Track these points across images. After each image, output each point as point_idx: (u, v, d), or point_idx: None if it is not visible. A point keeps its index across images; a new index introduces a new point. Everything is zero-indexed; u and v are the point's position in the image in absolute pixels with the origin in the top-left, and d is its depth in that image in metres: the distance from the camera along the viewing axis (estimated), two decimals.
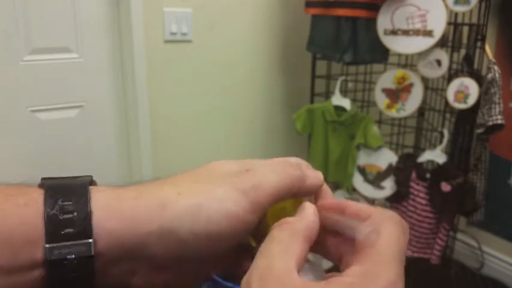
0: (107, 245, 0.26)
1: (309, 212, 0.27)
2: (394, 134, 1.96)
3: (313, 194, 0.31)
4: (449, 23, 1.63)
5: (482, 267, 2.22)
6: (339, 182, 1.94)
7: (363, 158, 1.81)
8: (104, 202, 0.27)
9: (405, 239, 0.25)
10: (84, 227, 0.25)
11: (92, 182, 0.29)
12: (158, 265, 0.27)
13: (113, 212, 0.26)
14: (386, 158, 1.77)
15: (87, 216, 0.26)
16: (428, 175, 1.68)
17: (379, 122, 1.87)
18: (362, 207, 0.27)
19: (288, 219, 0.27)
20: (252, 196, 0.27)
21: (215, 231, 0.26)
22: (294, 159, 0.32)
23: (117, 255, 0.26)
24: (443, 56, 1.60)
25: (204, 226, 0.26)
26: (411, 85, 1.69)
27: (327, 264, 0.31)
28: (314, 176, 0.31)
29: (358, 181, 1.83)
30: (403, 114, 1.73)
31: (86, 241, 0.25)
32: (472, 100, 1.55)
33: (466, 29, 1.67)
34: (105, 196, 0.27)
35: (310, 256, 0.27)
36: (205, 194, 0.27)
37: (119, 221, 0.26)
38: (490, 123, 1.57)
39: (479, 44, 1.61)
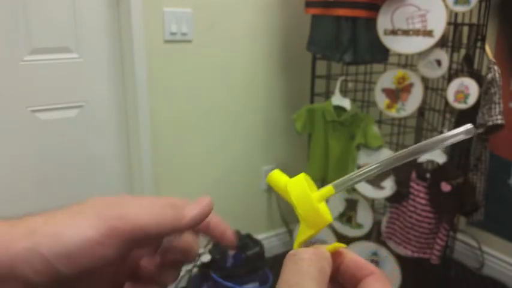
0: None
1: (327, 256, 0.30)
2: (394, 134, 1.96)
3: (201, 227, 0.34)
4: (449, 23, 1.63)
5: (482, 267, 2.22)
6: None
7: (363, 158, 1.81)
8: None
9: None
10: None
11: None
12: (30, 283, 0.29)
13: None
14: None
15: None
16: (428, 175, 1.68)
17: (379, 122, 1.87)
18: (364, 262, 0.32)
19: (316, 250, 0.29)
20: (111, 223, 0.29)
21: (73, 253, 0.29)
22: (172, 200, 0.33)
23: None
24: (443, 56, 1.60)
25: (64, 246, 0.29)
26: (411, 85, 1.69)
27: None
28: (191, 213, 0.32)
29: None
30: (403, 114, 1.73)
31: None
32: (472, 100, 1.55)
33: (466, 29, 1.67)
34: None
35: None
36: (68, 220, 0.30)
37: None
38: (490, 123, 1.57)
39: (479, 44, 1.61)
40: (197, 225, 0.33)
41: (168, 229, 0.32)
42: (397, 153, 0.30)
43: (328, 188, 0.31)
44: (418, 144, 0.30)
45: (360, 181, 0.31)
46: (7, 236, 0.29)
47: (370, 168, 0.31)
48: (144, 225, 0.30)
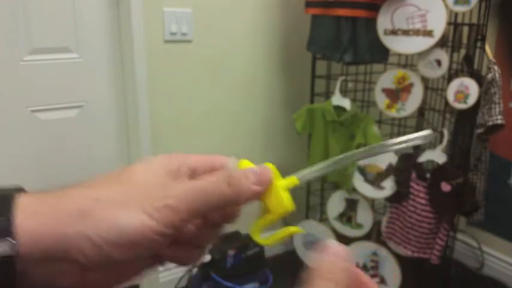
0: (29, 246, 0.27)
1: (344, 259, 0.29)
2: (394, 134, 1.96)
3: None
4: (449, 23, 1.63)
5: (482, 267, 2.22)
6: (339, 182, 1.94)
7: None
8: (27, 206, 0.28)
9: None
10: (5, 227, 0.27)
11: (20, 190, 0.30)
12: (84, 267, 0.28)
13: (35, 215, 0.28)
14: (387, 158, 1.77)
15: (9, 217, 0.27)
16: (428, 175, 1.68)
17: (379, 122, 1.87)
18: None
19: (327, 268, 0.28)
20: (167, 214, 0.29)
21: (127, 241, 0.28)
22: (228, 174, 0.31)
23: (40, 256, 0.27)
24: (443, 56, 1.59)
25: (119, 235, 0.28)
26: (411, 85, 1.69)
27: None
28: (251, 190, 0.31)
29: (358, 181, 1.83)
30: (403, 114, 1.73)
31: (7, 240, 0.26)
32: (472, 100, 1.55)
33: (466, 29, 1.67)
34: (28, 201, 0.28)
35: None
36: (121, 205, 0.29)
37: (39, 224, 0.27)
38: (490, 123, 1.57)
39: (479, 44, 1.61)
40: (258, 195, 0.32)
41: (225, 207, 0.31)
42: (357, 150, 0.33)
43: (292, 179, 0.33)
44: (375, 144, 0.33)
45: (321, 174, 0.33)
46: (56, 216, 0.28)
47: (330, 162, 0.33)
48: (201, 210, 0.30)
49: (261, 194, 0.32)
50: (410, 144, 0.33)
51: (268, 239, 0.33)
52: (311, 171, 0.33)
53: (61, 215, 0.28)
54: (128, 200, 0.29)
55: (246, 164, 0.33)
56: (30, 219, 0.27)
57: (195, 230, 0.34)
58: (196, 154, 0.35)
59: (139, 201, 0.29)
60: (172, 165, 0.33)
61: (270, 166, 0.32)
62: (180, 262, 0.35)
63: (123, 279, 0.32)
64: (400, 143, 0.33)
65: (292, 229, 0.32)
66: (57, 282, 0.29)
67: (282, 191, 0.32)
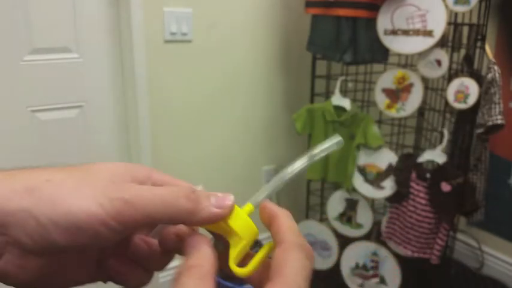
0: None
1: (207, 250, 0.29)
2: (394, 134, 1.96)
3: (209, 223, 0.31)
4: (449, 23, 1.63)
5: (482, 267, 2.22)
6: (339, 182, 1.94)
7: (363, 158, 1.81)
8: None
9: (310, 265, 0.29)
10: None
11: None
12: (26, 249, 0.27)
13: None
14: (387, 158, 1.77)
15: None
16: (428, 175, 1.68)
17: (379, 122, 1.87)
18: (280, 229, 0.31)
19: (193, 261, 0.28)
20: (119, 207, 0.28)
21: (73, 225, 0.27)
22: (190, 190, 0.30)
23: None
24: (443, 56, 1.59)
25: (63, 217, 0.27)
26: (411, 85, 1.69)
27: None
28: (209, 210, 0.30)
29: (358, 181, 1.83)
30: (403, 114, 1.73)
31: None
32: (472, 100, 1.55)
33: (466, 29, 1.67)
34: None
35: None
36: (73, 187, 0.28)
37: None
38: (490, 123, 1.57)
39: (479, 44, 1.61)
40: (213, 221, 0.31)
41: (179, 221, 0.30)
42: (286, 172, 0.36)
43: (248, 206, 0.33)
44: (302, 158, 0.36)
45: (270, 194, 0.35)
46: (5, 190, 0.27)
47: (277, 180, 0.36)
48: (153, 215, 0.28)
49: (218, 217, 0.30)
50: (325, 153, 0.35)
51: (249, 266, 0.32)
52: (259, 194, 0.34)
53: (7, 191, 0.27)
54: (81, 185, 0.28)
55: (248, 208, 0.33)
56: None
57: (147, 250, 0.33)
58: (163, 173, 0.34)
59: (93, 188, 0.28)
60: (138, 174, 0.32)
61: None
62: (125, 281, 0.33)
63: (65, 281, 0.31)
64: (316, 154, 0.35)
65: (268, 245, 0.32)
66: None
67: (247, 216, 0.32)
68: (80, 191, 0.28)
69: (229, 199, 0.31)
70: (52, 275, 0.30)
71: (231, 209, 0.31)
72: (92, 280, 0.33)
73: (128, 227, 0.28)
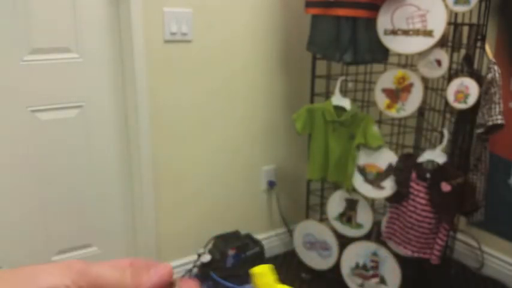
0: None
1: None
2: (394, 134, 1.96)
3: None
4: (449, 23, 1.63)
5: (482, 267, 2.22)
6: (339, 182, 1.94)
7: (363, 158, 1.81)
8: None
9: None
10: None
11: None
12: None
13: None
14: (387, 158, 1.77)
15: None
16: (428, 175, 1.68)
17: (379, 122, 1.87)
18: None
19: None
20: (75, 276, 0.30)
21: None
22: (134, 262, 0.34)
23: None
24: (443, 56, 1.59)
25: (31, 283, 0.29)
26: (411, 85, 1.69)
27: None
28: (150, 281, 0.33)
29: (358, 181, 1.83)
30: (403, 114, 1.73)
31: None
32: (472, 100, 1.55)
33: (466, 29, 1.67)
34: None
35: None
36: (37, 269, 0.30)
37: None
38: (490, 123, 1.57)
39: (479, 44, 1.61)
40: None
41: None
42: None
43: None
44: None
45: None
46: None
47: None
48: (104, 284, 0.31)
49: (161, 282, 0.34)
50: None
51: None
52: None
53: None
54: (41, 268, 0.30)
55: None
56: None
57: None
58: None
59: (55, 266, 0.31)
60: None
61: (266, 268, 0.33)
62: None
63: None
64: None
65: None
66: None
67: None
68: (44, 270, 0.30)
69: (166, 267, 0.34)
70: None
71: (169, 275, 0.34)
72: None
73: None
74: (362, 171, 1.82)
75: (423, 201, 1.67)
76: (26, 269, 0.31)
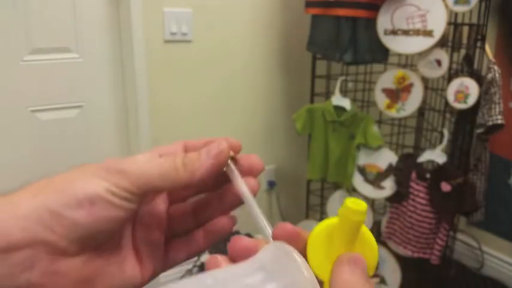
0: None
1: None
2: (394, 134, 1.96)
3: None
4: (449, 23, 1.63)
5: (482, 267, 2.22)
6: (339, 182, 1.94)
7: (363, 158, 1.81)
8: None
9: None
10: None
11: None
12: (56, 250, 0.27)
13: None
14: (387, 158, 1.77)
15: None
16: (428, 175, 1.68)
17: (379, 122, 1.87)
18: None
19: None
20: (117, 176, 0.28)
21: (84, 200, 0.27)
22: (191, 143, 0.33)
23: (2, 245, 0.26)
24: (443, 56, 1.59)
25: (73, 197, 0.27)
26: (411, 85, 1.69)
27: None
28: (205, 165, 0.30)
29: (358, 181, 1.83)
30: (403, 114, 1.73)
31: None
32: (472, 100, 1.55)
33: (466, 29, 1.67)
34: None
35: None
36: (72, 176, 0.29)
37: None
38: (490, 123, 1.57)
39: (479, 44, 1.61)
40: (212, 177, 0.31)
41: (177, 183, 0.30)
42: None
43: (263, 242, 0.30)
44: None
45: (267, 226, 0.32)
46: (11, 199, 0.27)
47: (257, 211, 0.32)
48: (152, 182, 0.29)
49: (215, 167, 0.30)
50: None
51: None
52: (264, 228, 0.32)
53: (16, 200, 0.27)
54: (78, 173, 0.29)
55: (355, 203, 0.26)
56: None
57: (187, 219, 0.34)
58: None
59: (89, 171, 0.29)
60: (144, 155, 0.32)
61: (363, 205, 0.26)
62: (179, 258, 0.34)
63: (110, 284, 0.30)
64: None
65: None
66: (22, 281, 0.26)
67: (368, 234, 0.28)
68: (80, 175, 0.28)
69: (221, 147, 0.31)
70: (93, 278, 0.29)
71: (224, 155, 0.31)
72: (144, 279, 0.32)
73: (133, 195, 0.29)
74: (362, 171, 1.82)
75: (423, 201, 1.67)
76: (59, 178, 0.29)
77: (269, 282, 0.23)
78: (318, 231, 0.27)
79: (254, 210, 0.31)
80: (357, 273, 0.25)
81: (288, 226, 0.27)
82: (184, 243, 0.34)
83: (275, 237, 0.27)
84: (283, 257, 0.24)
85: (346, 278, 0.24)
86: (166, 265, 0.34)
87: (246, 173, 0.33)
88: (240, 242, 0.27)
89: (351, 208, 0.25)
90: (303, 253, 0.26)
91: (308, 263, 0.25)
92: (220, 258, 0.27)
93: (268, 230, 0.30)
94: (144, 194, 0.29)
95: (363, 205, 0.25)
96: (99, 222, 0.28)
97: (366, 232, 0.27)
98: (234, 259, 0.27)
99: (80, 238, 0.27)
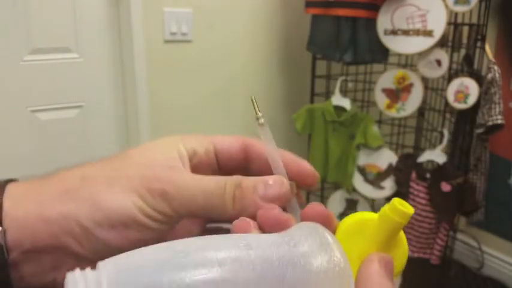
0: (17, 236, 0.25)
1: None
2: (394, 134, 1.96)
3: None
4: (449, 23, 1.63)
5: (482, 267, 2.22)
6: (339, 182, 1.95)
7: (363, 158, 1.81)
8: (15, 193, 0.26)
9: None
10: None
11: (13, 180, 0.28)
12: (79, 257, 0.26)
13: (21, 201, 0.26)
14: (387, 158, 1.77)
15: None
16: (428, 175, 1.68)
17: (379, 122, 1.87)
18: None
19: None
20: (158, 200, 0.26)
21: (118, 223, 0.26)
22: (245, 182, 0.27)
23: (30, 248, 0.25)
24: (443, 56, 1.59)
25: (106, 216, 0.25)
26: (411, 85, 1.69)
27: None
28: (255, 205, 0.27)
29: (358, 181, 1.83)
30: (403, 114, 1.73)
31: None
32: (472, 100, 1.55)
33: (466, 29, 1.67)
34: (17, 187, 0.27)
35: None
36: (107, 183, 0.26)
37: (25, 210, 0.25)
38: (490, 123, 1.57)
39: (479, 44, 1.61)
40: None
41: (220, 217, 0.27)
42: None
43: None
44: None
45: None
46: (41, 198, 0.26)
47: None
48: (194, 210, 0.26)
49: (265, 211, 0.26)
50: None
51: None
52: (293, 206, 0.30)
53: (46, 198, 0.26)
54: (116, 178, 0.26)
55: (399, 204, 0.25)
56: (17, 205, 0.25)
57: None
58: (227, 136, 0.31)
59: (128, 180, 0.26)
60: (187, 146, 0.30)
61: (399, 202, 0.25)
62: None
63: None
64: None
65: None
66: (49, 279, 0.26)
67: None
68: (115, 186, 0.26)
69: (282, 187, 0.27)
70: None
71: (284, 200, 0.27)
72: None
73: (172, 219, 0.27)
74: (362, 171, 1.82)
75: (423, 201, 1.67)
76: (94, 181, 0.26)
77: (298, 258, 0.22)
78: (351, 223, 0.26)
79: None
80: (384, 276, 0.24)
81: (319, 207, 0.26)
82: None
83: (305, 217, 0.26)
84: (315, 236, 0.24)
85: (373, 277, 0.24)
86: None
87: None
88: (272, 212, 0.25)
89: (398, 209, 0.24)
90: None
91: None
92: (251, 222, 0.25)
93: (298, 209, 0.29)
94: (182, 218, 0.28)
95: (410, 209, 0.24)
96: (131, 243, 0.26)
97: (402, 236, 0.26)
98: (262, 229, 0.25)
99: (108, 254, 0.27)
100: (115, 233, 0.26)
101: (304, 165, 0.31)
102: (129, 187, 0.26)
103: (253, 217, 0.26)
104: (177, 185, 0.26)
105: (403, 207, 0.24)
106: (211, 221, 0.32)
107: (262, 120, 0.31)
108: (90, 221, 0.25)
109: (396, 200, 0.25)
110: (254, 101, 0.31)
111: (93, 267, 0.24)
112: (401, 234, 0.26)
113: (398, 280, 1.81)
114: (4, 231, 0.25)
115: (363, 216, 0.26)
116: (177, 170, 0.27)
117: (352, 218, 0.26)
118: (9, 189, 0.26)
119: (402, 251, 0.26)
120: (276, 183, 0.27)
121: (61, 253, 0.26)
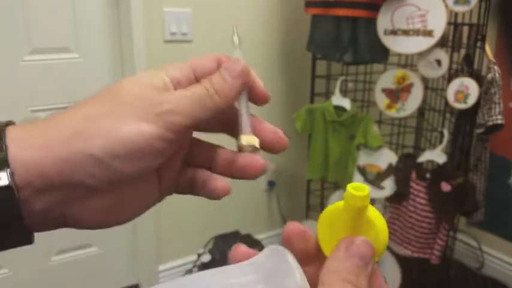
0: (26, 176, 0.26)
1: None
2: (394, 134, 1.96)
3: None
4: (449, 23, 1.63)
5: (482, 267, 2.22)
6: (339, 182, 1.94)
7: (363, 158, 1.81)
8: (17, 135, 0.27)
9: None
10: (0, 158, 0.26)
11: (10, 123, 0.29)
12: (90, 189, 0.27)
13: (26, 143, 0.27)
14: (387, 158, 1.77)
15: (2, 148, 0.26)
16: (428, 175, 1.68)
17: (379, 122, 1.87)
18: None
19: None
20: (168, 119, 0.28)
21: (135, 150, 0.27)
22: (216, 78, 0.33)
23: (40, 186, 0.26)
24: (443, 56, 1.59)
25: (121, 146, 0.27)
26: (411, 85, 1.69)
27: None
28: (234, 85, 0.32)
29: (358, 181, 1.83)
30: (403, 114, 1.73)
31: (4, 171, 0.25)
32: (472, 100, 1.55)
33: (466, 29, 1.67)
34: (18, 130, 0.28)
35: None
36: (116, 117, 0.28)
37: (32, 151, 0.26)
38: (490, 123, 1.57)
39: (479, 44, 1.61)
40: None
41: (214, 110, 0.31)
42: None
43: (247, 139, 0.36)
44: None
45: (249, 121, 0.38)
46: (49, 138, 0.27)
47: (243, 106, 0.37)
48: (196, 115, 0.30)
49: (243, 84, 0.33)
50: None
51: None
52: (244, 125, 0.37)
53: (53, 138, 0.27)
54: (121, 112, 0.28)
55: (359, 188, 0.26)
56: (24, 148, 0.26)
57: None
58: (203, 58, 0.36)
59: (133, 111, 0.28)
60: (170, 76, 0.33)
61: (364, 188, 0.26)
62: (204, 189, 0.36)
63: (131, 210, 0.31)
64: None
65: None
66: (59, 213, 0.28)
67: (375, 215, 0.27)
68: (123, 119, 0.28)
69: (238, 63, 0.33)
70: (121, 204, 0.30)
71: (247, 71, 0.33)
72: (162, 196, 0.34)
73: (180, 134, 0.29)
74: (362, 171, 1.82)
75: (423, 201, 1.67)
76: (103, 116, 0.28)
77: (260, 283, 0.23)
78: (324, 215, 0.27)
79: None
80: (351, 262, 0.24)
81: (295, 225, 0.28)
82: (190, 173, 0.35)
83: (283, 236, 0.28)
84: (277, 260, 0.25)
85: (335, 266, 0.24)
86: (177, 188, 0.35)
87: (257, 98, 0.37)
88: (240, 249, 0.28)
89: (352, 194, 0.25)
90: (313, 251, 0.27)
91: (320, 246, 0.26)
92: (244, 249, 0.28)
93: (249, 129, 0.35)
94: (187, 131, 0.31)
95: (365, 190, 0.25)
96: (145, 169, 0.28)
97: (374, 214, 0.26)
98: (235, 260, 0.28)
99: (120, 181, 0.28)
100: (131, 163, 0.27)
101: (259, 85, 0.38)
102: (137, 117, 0.28)
103: (236, 97, 0.33)
104: (177, 103, 0.29)
105: (357, 192, 0.25)
106: (207, 125, 0.36)
107: (236, 41, 0.38)
108: (105, 154, 0.27)
109: (350, 186, 0.25)
110: (235, 27, 0.38)
111: (102, 196, 0.28)
112: (373, 212, 0.26)
113: (398, 280, 1.81)
114: (12, 173, 0.25)
115: (334, 206, 0.27)
116: (170, 91, 0.30)
117: (325, 210, 0.27)
118: (11, 132, 0.27)
119: (378, 230, 0.26)
120: (233, 63, 0.34)
121: (72, 188, 0.27)
